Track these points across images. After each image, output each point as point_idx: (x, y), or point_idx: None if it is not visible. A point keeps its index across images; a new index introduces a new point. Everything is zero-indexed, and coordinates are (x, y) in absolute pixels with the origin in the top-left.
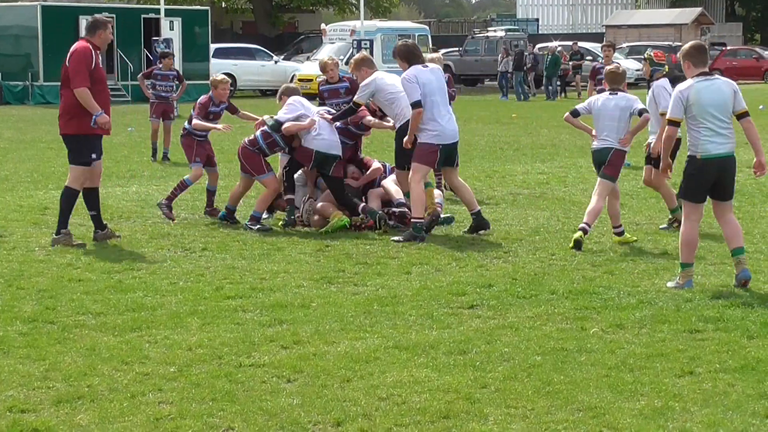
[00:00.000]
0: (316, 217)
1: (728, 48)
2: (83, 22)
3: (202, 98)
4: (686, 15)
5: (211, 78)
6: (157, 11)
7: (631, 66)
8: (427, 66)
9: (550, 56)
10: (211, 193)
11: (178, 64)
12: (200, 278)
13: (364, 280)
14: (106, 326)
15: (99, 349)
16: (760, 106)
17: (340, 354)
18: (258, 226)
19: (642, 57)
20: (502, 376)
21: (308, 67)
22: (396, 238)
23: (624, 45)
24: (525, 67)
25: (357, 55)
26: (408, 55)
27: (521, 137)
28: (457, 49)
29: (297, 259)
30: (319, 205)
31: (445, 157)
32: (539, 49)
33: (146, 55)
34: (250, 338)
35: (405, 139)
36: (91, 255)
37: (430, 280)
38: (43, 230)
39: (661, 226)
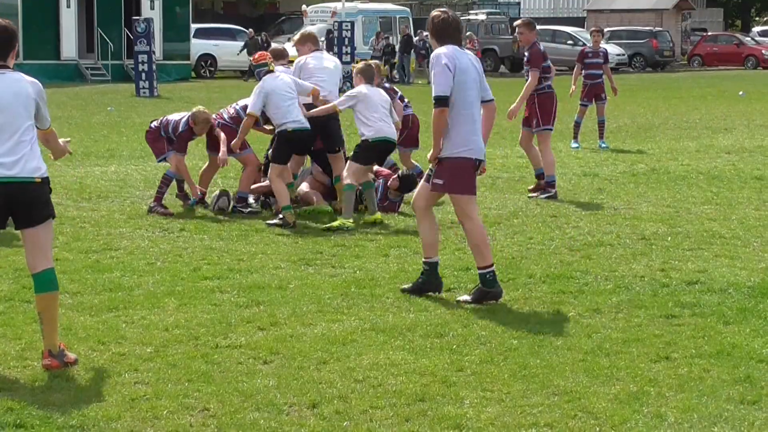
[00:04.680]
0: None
1: (709, 34)
2: (63, 1)
3: (183, 133)
4: (667, 0)
5: (194, 111)
6: None
7: (612, 51)
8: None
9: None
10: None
11: (158, 44)
12: (178, 259)
13: (342, 262)
14: (82, 306)
15: (75, 329)
16: (740, 92)
17: (316, 336)
18: (249, 209)
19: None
20: (479, 359)
21: (289, 49)
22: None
23: (605, 30)
24: (419, 52)
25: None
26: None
27: (501, 121)
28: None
29: (275, 241)
30: (304, 191)
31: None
32: None
33: (126, 34)
34: (227, 319)
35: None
36: (69, 234)
37: (407, 263)
38: None
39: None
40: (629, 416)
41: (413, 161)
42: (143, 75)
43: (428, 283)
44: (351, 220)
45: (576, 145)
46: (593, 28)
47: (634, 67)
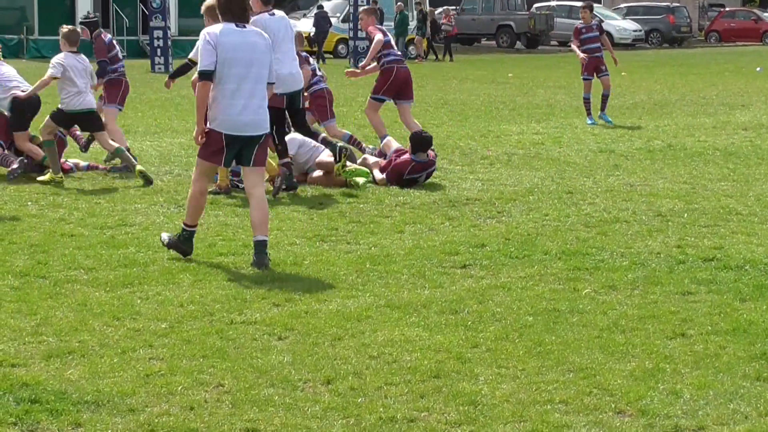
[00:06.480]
0: (317, 173)
1: (726, 9)
2: None
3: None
4: None
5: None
6: None
7: (628, 27)
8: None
9: (398, 14)
10: None
11: (173, 20)
12: None
13: (357, 239)
14: (97, 281)
15: (90, 305)
16: (758, 68)
17: (331, 312)
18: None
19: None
20: (494, 336)
21: (304, 24)
22: (164, 235)
23: (622, 5)
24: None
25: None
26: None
27: (517, 97)
28: (454, 7)
29: (290, 217)
30: (328, 159)
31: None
32: (537, 8)
33: (142, 10)
34: (242, 295)
35: None
36: (84, 210)
37: (423, 240)
38: (35, 185)
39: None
40: (645, 393)
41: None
42: (158, 51)
43: (178, 246)
44: (60, 174)
45: (591, 121)
46: (582, 5)
47: (650, 43)
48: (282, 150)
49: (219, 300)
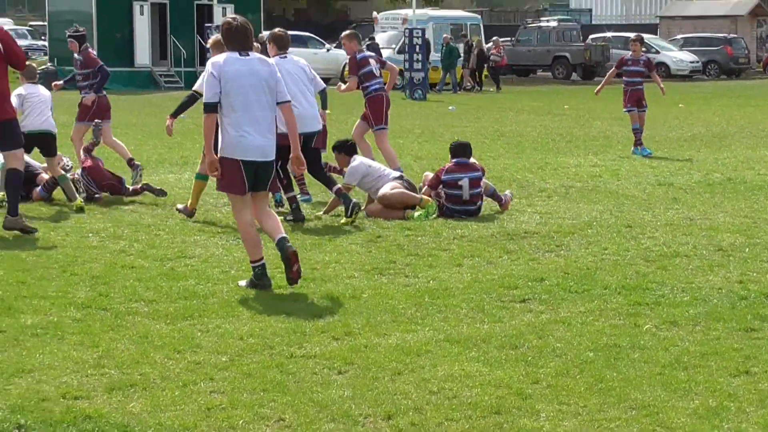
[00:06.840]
0: (374, 206)
1: None
2: (137, 8)
3: None
4: (742, 6)
5: None
6: None
7: (686, 58)
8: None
9: (445, 47)
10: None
11: None
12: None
13: (416, 272)
14: (158, 314)
15: (151, 337)
16: None
17: (391, 346)
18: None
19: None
20: (554, 371)
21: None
22: (242, 282)
23: (678, 36)
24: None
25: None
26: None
27: (573, 129)
28: (509, 39)
29: (348, 250)
30: (392, 192)
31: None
32: (592, 40)
33: (199, 41)
34: (301, 329)
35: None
36: (144, 242)
37: (481, 273)
38: (96, 216)
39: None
40: None
41: None
42: None
43: (257, 285)
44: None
45: (647, 152)
46: (632, 38)
47: (708, 74)
48: (287, 184)
49: (278, 333)
